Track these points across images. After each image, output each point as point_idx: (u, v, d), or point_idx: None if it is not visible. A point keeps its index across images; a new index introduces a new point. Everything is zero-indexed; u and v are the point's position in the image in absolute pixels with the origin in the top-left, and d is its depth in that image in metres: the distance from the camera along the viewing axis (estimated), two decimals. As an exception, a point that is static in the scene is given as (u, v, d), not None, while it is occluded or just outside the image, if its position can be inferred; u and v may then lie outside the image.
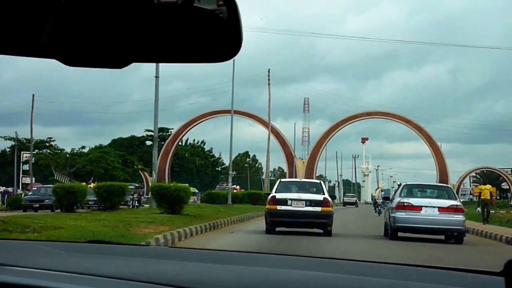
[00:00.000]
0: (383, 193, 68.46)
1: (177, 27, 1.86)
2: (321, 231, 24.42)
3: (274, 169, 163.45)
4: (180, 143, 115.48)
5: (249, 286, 2.21)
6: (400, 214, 22.91)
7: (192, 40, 1.88)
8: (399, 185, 26.25)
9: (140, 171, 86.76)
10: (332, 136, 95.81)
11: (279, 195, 24.95)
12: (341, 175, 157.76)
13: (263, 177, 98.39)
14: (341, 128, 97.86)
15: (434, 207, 22.93)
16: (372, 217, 45.95)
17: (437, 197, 23.97)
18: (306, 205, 24.74)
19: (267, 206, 24.86)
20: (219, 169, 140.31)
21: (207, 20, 1.87)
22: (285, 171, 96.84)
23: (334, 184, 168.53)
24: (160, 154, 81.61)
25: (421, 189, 25.36)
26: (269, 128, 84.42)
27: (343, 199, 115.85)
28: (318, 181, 28.65)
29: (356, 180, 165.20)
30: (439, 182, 74.59)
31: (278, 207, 24.62)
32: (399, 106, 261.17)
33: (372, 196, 71.75)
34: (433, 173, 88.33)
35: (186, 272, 2.38)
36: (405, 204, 23.31)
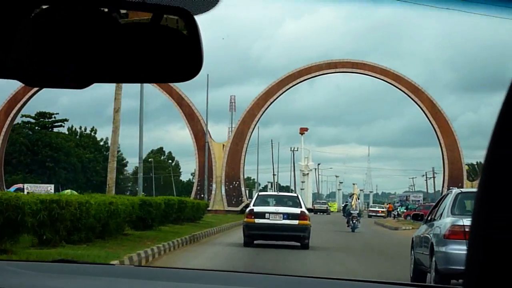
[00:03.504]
0: (359, 201, 52.58)
1: (138, 48, 1.95)
2: (299, 244, 26.44)
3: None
4: (56, 130, 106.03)
5: None
6: (460, 248, 13.98)
7: (153, 60, 1.97)
8: (443, 195, 17.66)
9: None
10: (268, 107, 62.11)
11: (257, 209, 26.94)
12: (275, 175, 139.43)
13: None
14: (282, 93, 75.96)
15: None
16: (346, 234, 40.79)
17: None
18: (284, 218, 26.44)
19: (245, 219, 27.10)
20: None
21: (168, 41, 1.96)
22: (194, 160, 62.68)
23: (266, 186, 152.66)
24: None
25: None
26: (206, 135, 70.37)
27: (313, 206, 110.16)
28: (295, 194, 31.32)
29: (292, 181, 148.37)
30: (450, 186, 64.92)
31: (256, 220, 26.40)
32: (333, 109, 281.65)
33: (346, 205, 53.18)
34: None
35: None
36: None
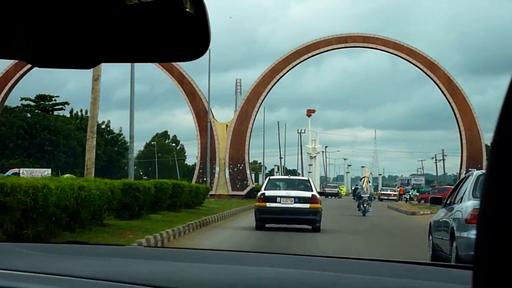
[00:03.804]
0: (369, 184, 49.97)
1: (145, 26, 1.93)
2: (310, 227, 26.67)
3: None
4: (56, 112, 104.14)
5: (223, 284, 2.35)
6: None
7: (160, 39, 1.95)
8: (464, 177, 16.92)
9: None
10: (274, 85, 58.49)
11: (268, 193, 27.07)
12: (281, 158, 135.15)
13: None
14: (289, 70, 70.66)
15: None
16: (356, 219, 39.72)
17: None
18: (295, 202, 26.61)
19: (256, 204, 27.29)
20: (117, 149, 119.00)
21: (175, 19, 1.93)
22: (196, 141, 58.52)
23: (273, 169, 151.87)
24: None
25: None
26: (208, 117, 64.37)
27: (324, 189, 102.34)
28: (306, 178, 32.20)
29: (299, 165, 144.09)
30: (468, 168, 60.81)
31: (267, 204, 26.57)
32: (340, 92, 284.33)
33: (356, 189, 51.66)
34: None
35: (162, 271, 2.51)
36: None
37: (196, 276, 2.40)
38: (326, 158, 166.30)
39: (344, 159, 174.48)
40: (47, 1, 1.84)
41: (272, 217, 26.71)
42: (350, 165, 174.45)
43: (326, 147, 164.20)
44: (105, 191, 19.50)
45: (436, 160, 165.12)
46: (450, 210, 15.46)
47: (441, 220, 16.10)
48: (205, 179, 61.65)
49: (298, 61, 67.40)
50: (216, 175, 68.24)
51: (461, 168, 67.90)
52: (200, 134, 67.26)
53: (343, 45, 66.08)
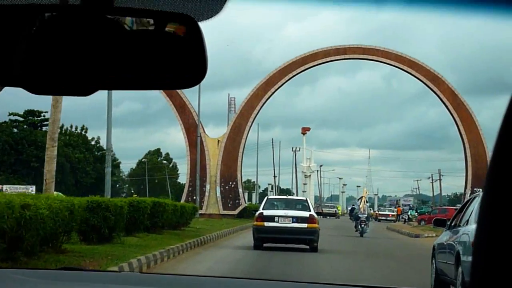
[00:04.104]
0: (367, 204, 48.17)
1: (143, 54, 1.98)
2: (307, 247, 26.81)
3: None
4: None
5: None
6: None
7: (158, 67, 1.99)
8: (470, 199, 16.51)
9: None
10: (269, 98, 55.25)
11: (266, 212, 27.16)
12: (276, 177, 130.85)
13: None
14: (284, 83, 66.48)
15: None
16: (354, 240, 38.88)
17: None
18: (293, 222, 26.71)
19: (255, 223, 27.33)
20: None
21: (172, 47, 1.98)
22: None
23: (266, 188, 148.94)
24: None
25: None
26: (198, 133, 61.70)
27: (321, 209, 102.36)
28: (304, 198, 32.23)
29: (293, 184, 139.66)
30: (474, 187, 60.47)
31: (266, 224, 26.66)
32: (334, 111, 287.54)
33: (353, 209, 51.11)
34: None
35: None
36: None
37: None
38: (320, 177, 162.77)
39: (340, 178, 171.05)
40: (46, 30, 1.87)
41: (270, 237, 26.89)
42: (345, 185, 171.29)
43: (321, 165, 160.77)
44: (60, 211, 15.69)
45: (432, 180, 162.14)
46: (455, 233, 14.92)
47: (445, 243, 15.60)
48: (194, 197, 57.72)
49: (294, 73, 63.34)
50: (207, 193, 63.82)
51: (465, 187, 63.83)
52: (190, 150, 63.00)
53: (342, 56, 62.30)
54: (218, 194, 63.67)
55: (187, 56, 1.94)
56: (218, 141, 64.55)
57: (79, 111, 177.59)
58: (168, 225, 31.22)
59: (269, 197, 32.00)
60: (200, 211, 60.63)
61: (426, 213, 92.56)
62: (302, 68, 62.97)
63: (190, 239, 27.95)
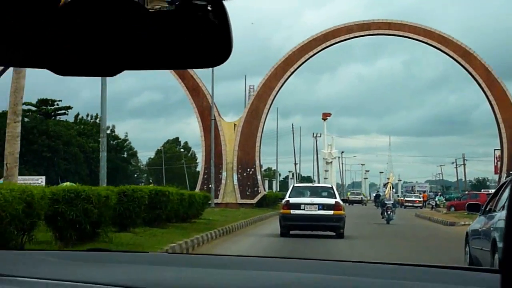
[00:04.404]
0: (393, 190, 47.53)
1: (168, 33, 1.96)
2: (334, 233, 27.25)
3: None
4: (59, 117, 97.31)
5: None
6: None
7: (183, 46, 1.98)
8: (504, 182, 16.73)
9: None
10: (288, 78, 50.83)
11: (292, 200, 27.53)
12: (296, 164, 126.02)
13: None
14: (304, 62, 60.90)
15: None
16: (380, 226, 38.05)
17: None
18: (319, 209, 27.07)
19: (281, 211, 27.82)
20: (125, 156, 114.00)
21: (197, 26, 1.96)
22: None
23: (287, 176, 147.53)
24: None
25: None
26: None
27: (348, 196, 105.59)
28: (329, 185, 32.88)
29: (314, 172, 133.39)
30: (509, 170, 53.44)
31: (292, 211, 26.99)
32: (354, 98, 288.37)
33: (378, 195, 52.35)
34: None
35: (185, 278, 2.53)
36: None
37: (220, 282, 2.44)
38: (342, 164, 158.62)
39: (362, 164, 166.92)
40: (69, 11, 1.86)
41: (296, 224, 27.22)
42: (368, 171, 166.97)
43: (342, 152, 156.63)
44: (8, 203, 11.57)
45: (456, 165, 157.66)
46: (491, 218, 14.66)
47: (480, 229, 15.38)
48: (210, 185, 53.47)
49: (315, 50, 58.17)
50: (223, 181, 59.21)
51: (501, 170, 58.83)
52: (205, 135, 58.27)
53: (366, 32, 57.44)
54: (235, 181, 58.73)
55: (212, 35, 1.91)
56: (235, 125, 60.04)
57: (97, 101, 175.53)
58: (176, 217, 27.19)
59: (295, 184, 32.32)
60: (216, 200, 56.56)
61: (455, 199, 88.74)
62: (323, 45, 58.24)
63: (199, 233, 23.85)
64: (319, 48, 58.27)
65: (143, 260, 3.07)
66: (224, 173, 58.88)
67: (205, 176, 58.00)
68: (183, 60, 1.98)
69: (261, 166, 72.69)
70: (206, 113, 56.31)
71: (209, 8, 1.90)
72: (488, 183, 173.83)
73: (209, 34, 1.91)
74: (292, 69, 57.91)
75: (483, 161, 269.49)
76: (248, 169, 58.92)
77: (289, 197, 27.90)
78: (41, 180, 68.83)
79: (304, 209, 26.89)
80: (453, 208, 65.88)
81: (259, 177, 59.68)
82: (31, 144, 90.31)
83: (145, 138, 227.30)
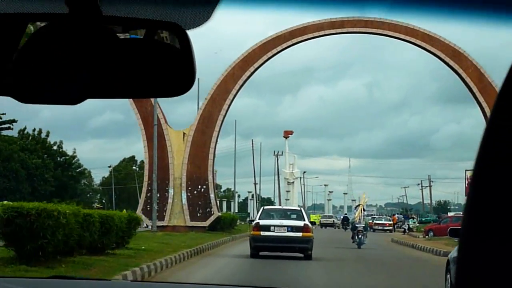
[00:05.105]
0: (365, 213, 46.92)
1: (132, 63, 1.96)
2: (302, 255, 27.56)
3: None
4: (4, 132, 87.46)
5: None
6: None
7: (147, 75, 1.98)
8: None
9: None
10: (248, 79, 41.31)
11: (262, 222, 27.93)
12: (256, 184, 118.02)
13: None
14: (267, 60, 51.25)
15: None
16: (352, 251, 35.68)
17: None
18: (288, 231, 27.34)
19: (252, 232, 28.29)
20: (73, 173, 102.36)
21: (161, 56, 1.97)
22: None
23: (247, 198, 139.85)
24: None
25: None
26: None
27: (320, 220, 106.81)
28: (299, 208, 34.15)
29: (275, 192, 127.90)
30: None
31: (262, 233, 27.34)
32: (316, 120, 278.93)
33: (346, 218, 57.12)
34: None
35: None
36: None
37: None
38: (304, 184, 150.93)
39: (325, 185, 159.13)
40: (35, 41, 1.84)
41: (266, 245, 27.49)
42: (331, 192, 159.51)
43: (304, 172, 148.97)
44: None
45: (422, 186, 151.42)
46: None
47: None
48: (154, 205, 43.86)
49: (279, 48, 48.39)
50: (170, 200, 49.12)
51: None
52: (148, 145, 48.59)
53: (338, 30, 48.74)
54: (184, 201, 48.18)
55: (176, 64, 1.92)
56: (184, 134, 49.99)
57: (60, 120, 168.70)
58: (81, 247, 18.32)
59: (265, 207, 33.04)
60: (161, 223, 47.43)
61: (432, 222, 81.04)
62: (289, 42, 49.30)
63: (104, 275, 15.05)
64: (284, 45, 49.31)
65: None
66: (171, 191, 48.77)
67: (148, 194, 48.05)
68: (147, 89, 1.94)
69: (216, 184, 63.63)
70: (150, 120, 46.64)
71: (171, 38, 1.89)
72: (449, 206, 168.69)
73: (173, 63, 1.90)
74: (252, 69, 48.04)
75: (443, 184, 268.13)
76: (200, 186, 48.93)
77: (259, 219, 28.60)
78: (-22, 199, 60.91)
79: (273, 231, 27.34)
80: (431, 233, 58.59)
81: (212, 195, 49.45)
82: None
83: (104, 157, 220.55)
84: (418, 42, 48.64)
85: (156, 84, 1.94)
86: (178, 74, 1.93)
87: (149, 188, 47.17)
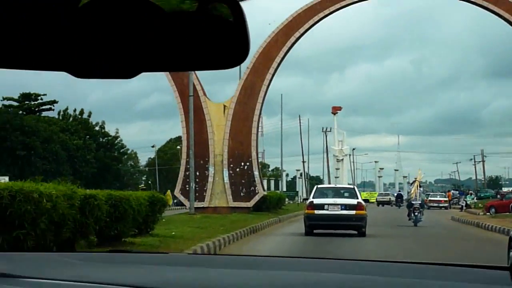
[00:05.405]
0: (421, 189, 43.63)
1: (185, 35, 1.98)
2: (356, 232, 28.27)
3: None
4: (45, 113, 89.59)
5: None
6: None
7: (200, 47, 1.99)
8: None
9: None
10: (294, 43, 35.98)
11: (316, 201, 28.80)
12: (304, 162, 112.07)
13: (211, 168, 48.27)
14: (313, 25, 45.55)
15: None
16: (408, 229, 34.51)
17: None
18: (342, 209, 28.30)
19: (306, 211, 29.10)
20: (116, 153, 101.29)
21: (214, 27, 1.98)
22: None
23: (295, 176, 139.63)
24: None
25: None
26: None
27: (376, 198, 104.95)
28: (351, 186, 33.74)
29: (324, 170, 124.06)
30: None
31: (316, 212, 28.24)
32: (361, 100, 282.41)
33: (400, 195, 58.31)
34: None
35: (205, 278, 2.51)
36: None
37: (240, 282, 2.42)
38: (353, 161, 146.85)
39: (376, 161, 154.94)
40: (87, 13, 1.87)
41: (320, 223, 28.22)
42: (382, 169, 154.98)
43: (353, 149, 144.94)
44: None
45: (475, 161, 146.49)
46: None
47: None
48: (191, 185, 40.00)
49: (326, 12, 44.65)
50: (210, 179, 45.59)
51: None
52: (185, 120, 44.29)
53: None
54: (226, 179, 44.58)
55: (229, 35, 1.92)
56: (225, 107, 46.06)
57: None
58: (97, 236, 14.69)
59: (319, 186, 33.60)
60: (201, 204, 43.64)
61: (491, 198, 77.32)
62: (337, 5, 45.08)
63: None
64: (332, 8, 45.04)
65: (162, 261, 3.02)
66: (211, 169, 44.80)
67: (187, 173, 44.15)
68: (200, 61, 1.96)
69: (263, 164, 59.64)
70: (187, 92, 42.55)
71: (226, 8, 1.90)
72: (500, 182, 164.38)
73: (226, 35, 1.90)
74: (297, 34, 43.63)
75: (493, 160, 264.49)
76: (243, 163, 44.74)
77: (313, 198, 29.22)
78: (4, 180, 58.86)
79: (327, 209, 28.17)
80: (493, 210, 54.59)
81: (256, 173, 45.06)
82: (3, 141, 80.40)
83: (152, 139, 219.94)
84: (479, 1, 43.94)
85: (210, 56, 1.93)
86: (231, 46, 1.90)
87: (187, 166, 43.21)
